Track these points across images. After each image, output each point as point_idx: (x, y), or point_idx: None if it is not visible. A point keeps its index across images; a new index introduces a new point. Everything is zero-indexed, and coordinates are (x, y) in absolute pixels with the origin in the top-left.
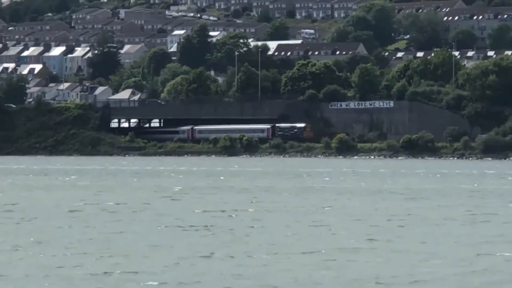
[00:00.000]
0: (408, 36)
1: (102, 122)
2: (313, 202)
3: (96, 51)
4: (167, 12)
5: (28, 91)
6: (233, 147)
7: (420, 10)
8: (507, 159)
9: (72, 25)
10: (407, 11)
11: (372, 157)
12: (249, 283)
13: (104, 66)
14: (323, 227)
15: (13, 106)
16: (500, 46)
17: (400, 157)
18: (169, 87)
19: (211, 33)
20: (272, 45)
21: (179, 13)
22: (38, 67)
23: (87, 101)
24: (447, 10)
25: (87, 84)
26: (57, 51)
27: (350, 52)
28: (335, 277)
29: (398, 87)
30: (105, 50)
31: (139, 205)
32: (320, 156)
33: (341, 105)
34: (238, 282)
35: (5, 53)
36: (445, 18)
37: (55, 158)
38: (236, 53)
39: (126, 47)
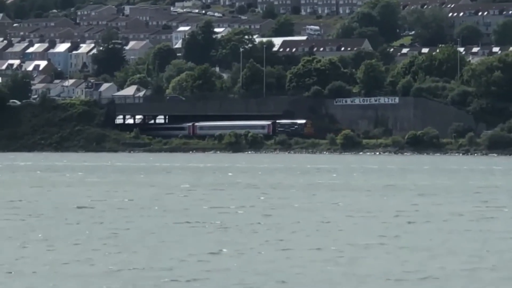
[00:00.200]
0: (413, 32)
1: (107, 119)
2: (321, 199)
3: (101, 48)
4: (172, 8)
5: (33, 87)
6: (238, 144)
7: (425, 6)
8: None
9: (77, 21)
10: (412, 7)
11: (377, 153)
12: (258, 279)
13: (109, 63)
14: (332, 224)
15: (18, 102)
16: (505, 42)
17: (405, 153)
18: (174, 83)
19: (216, 30)
20: (277, 41)
21: (184, 10)
22: (43, 63)
23: (92, 98)
24: (452, 6)
25: (92, 80)
26: (62, 47)
27: (355, 48)
28: (344, 273)
29: (403, 83)
30: (110, 47)
31: (147, 201)
32: (325, 152)
33: (346, 101)
34: (247, 278)
35: (10, 50)
36: (450, 14)
37: (61, 155)
38: (241, 49)
39: (131, 44)
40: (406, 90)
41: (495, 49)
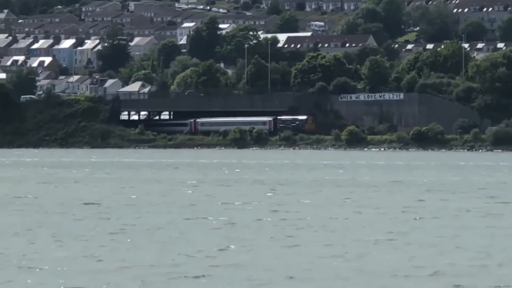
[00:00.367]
0: (418, 28)
1: (112, 115)
2: (328, 195)
3: (106, 44)
4: (176, 4)
5: (38, 83)
6: (243, 140)
7: (430, 2)
8: None
9: (82, 17)
10: (417, 3)
11: (382, 149)
12: (265, 275)
13: (114, 59)
14: (339, 220)
15: (33, 96)
16: (510, 38)
17: (410, 149)
18: (179, 79)
19: (221, 26)
20: (282, 37)
21: (189, 6)
22: (48, 59)
23: (97, 94)
24: (456, 2)
25: (97, 76)
26: (67, 43)
27: (360, 44)
28: (352, 269)
29: (408, 79)
30: (114, 43)
31: (154, 197)
32: (330, 148)
33: (351, 97)
34: (254, 274)
35: (15, 46)
36: (455, 10)
37: (66, 151)
38: (246, 45)
39: (136, 40)
40: (411, 86)
41: (500, 45)
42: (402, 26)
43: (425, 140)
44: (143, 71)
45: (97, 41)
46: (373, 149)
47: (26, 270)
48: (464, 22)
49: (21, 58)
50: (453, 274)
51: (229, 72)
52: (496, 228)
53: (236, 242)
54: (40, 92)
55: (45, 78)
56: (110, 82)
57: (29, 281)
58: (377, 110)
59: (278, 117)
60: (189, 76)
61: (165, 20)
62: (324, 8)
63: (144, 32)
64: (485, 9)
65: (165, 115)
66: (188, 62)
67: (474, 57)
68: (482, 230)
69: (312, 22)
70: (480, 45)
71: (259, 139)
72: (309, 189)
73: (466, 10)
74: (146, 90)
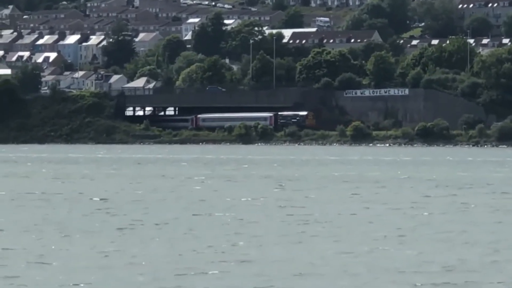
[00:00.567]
0: (423, 23)
1: (117, 110)
2: (336, 190)
3: (111, 39)
4: (181, 0)
5: (43, 79)
6: (248, 135)
7: None
8: None
9: (87, 13)
10: None
11: (387, 145)
12: (274, 271)
13: (119, 54)
14: (348, 215)
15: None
16: None
17: (415, 145)
18: (184, 75)
19: (226, 21)
20: (287, 33)
21: (194, 1)
22: (53, 55)
23: (102, 90)
24: None
25: (102, 72)
26: (72, 39)
27: (365, 40)
28: (361, 264)
29: (413, 74)
30: (119, 38)
31: (163, 193)
32: (335, 144)
33: (356, 93)
34: (264, 270)
35: (20, 42)
36: (460, 6)
37: (72, 147)
38: (251, 41)
39: (141, 35)
40: (416, 82)
41: (505, 41)
42: (407, 22)
43: (430, 136)
44: (148, 67)
45: (102, 36)
46: (378, 145)
47: (35, 266)
48: (469, 18)
49: (26, 54)
50: (462, 269)
51: (234, 67)
52: (504, 223)
53: (245, 238)
54: (45, 88)
55: (50, 74)
56: (115, 77)
57: (37, 277)
58: (382, 106)
59: (279, 113)
60: (194, 72)
61: (170, 16)
62: (329, 3)
63: (149, 28)
64: (490, 5)
65: (170, 111)
66: (193, 57)
67: (479, 52)
68: (491, 226)
69: (317, 18)
70: (485, 41)
71: (264, 135)
72: (317, 185)
73: (471, 5)
74: (151, 85)
